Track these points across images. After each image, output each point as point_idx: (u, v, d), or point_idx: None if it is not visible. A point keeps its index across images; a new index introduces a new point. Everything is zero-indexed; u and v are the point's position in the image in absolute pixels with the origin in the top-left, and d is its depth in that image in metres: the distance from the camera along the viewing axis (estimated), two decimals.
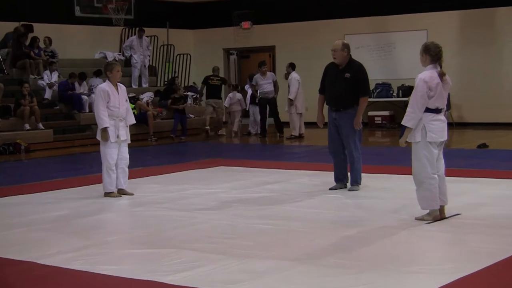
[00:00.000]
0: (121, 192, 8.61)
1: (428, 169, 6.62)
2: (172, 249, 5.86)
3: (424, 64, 6.69)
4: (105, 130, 8.34)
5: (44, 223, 7.13)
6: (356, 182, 8.55)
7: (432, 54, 6.62)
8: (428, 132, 6.59)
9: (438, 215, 6.70)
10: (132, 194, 8.61)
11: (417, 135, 6.62)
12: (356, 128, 8.38)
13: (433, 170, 6.64)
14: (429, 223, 6.61)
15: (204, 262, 5.41)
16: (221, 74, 21.97)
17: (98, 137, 8.51)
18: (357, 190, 8.47)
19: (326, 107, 8.69)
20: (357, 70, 8.40)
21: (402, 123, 6.68)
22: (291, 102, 16.26)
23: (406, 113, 6.63)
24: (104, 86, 8.49)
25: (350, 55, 8.47)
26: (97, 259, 5.61)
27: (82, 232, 6.66)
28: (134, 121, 8.87)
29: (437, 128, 6.63)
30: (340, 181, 8.64)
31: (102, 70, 8.50)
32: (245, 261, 5.41)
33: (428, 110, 6.58)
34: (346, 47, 8.39)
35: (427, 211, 6.73)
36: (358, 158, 8.47)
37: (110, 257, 5.68)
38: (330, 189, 8.57)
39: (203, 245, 5.99)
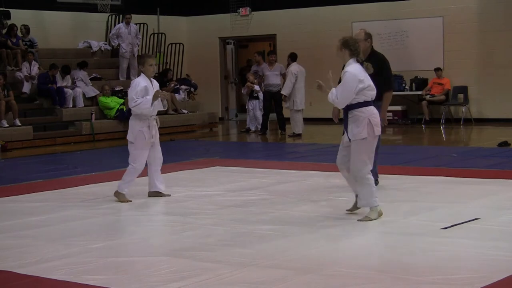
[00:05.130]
0: (158, 194, 8.62)
1: (369, 166, 7.02)
2: (162, 257, 5.87)
3: (342, 60, 7.16)
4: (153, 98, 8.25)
5: (22, 229, 7.14)
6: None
7: (352, 48, 7.06)
8: (374, 126, 6.97)
9: (380, 210, 7.05)
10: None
11: (363, 131, 6.93)
12: (382, 125, 8.47)
13: (371, 166, 7.08)
14: (375, 219, 6.96)
15: (198, 271, 5.42)
16: (217, 65, 22.07)
17: (131, 137, 8.45)
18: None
19: None
20: (379, 63, 8.49)
21: (329, 99, 7.07)
22: (284, 97, 16.27)
23: (333, 99, 7.00)
24: (141, 80, 8.42)
25: (372, 46, 8.62)
26: (81, 268, 5.61)
27: (64, 239, 6.67)
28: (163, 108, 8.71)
29: (378, 121, 7.07)
30: None
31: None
32: (243, 270, 5.42)
33: (367, 103, 6.99)
34: (369, 36, 8.56)
35: (367, 209, 7.06)
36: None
37: (96, 266, 5.68)
38: None
39: (197, 252, 6.00)
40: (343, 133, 7.28)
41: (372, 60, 8.46)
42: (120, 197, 8.44)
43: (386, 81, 8.59)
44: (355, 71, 6.97)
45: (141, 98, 8.28)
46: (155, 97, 8.29)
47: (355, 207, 7.37)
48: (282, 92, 16.25)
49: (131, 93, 8.38)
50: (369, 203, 7.07)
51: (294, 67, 16.34)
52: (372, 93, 7.04)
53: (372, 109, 7.04)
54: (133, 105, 8.33)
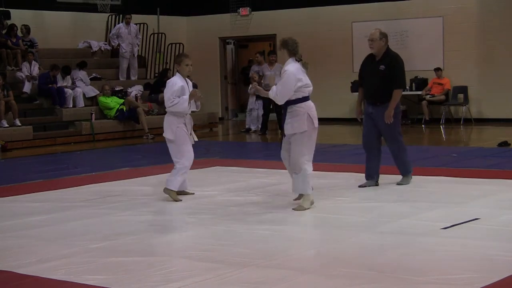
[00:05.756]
0: (183, 193, 8.62)
1: (306, 156, 7.55)
2: (162, 257, 5.87)
3: (283, 58, 7.66)
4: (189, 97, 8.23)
5: (22, 229, 7.14)
6: (408, 171, 8.96)
7: (290, 49, 7.58)
8: (313, 119, 7.55)
9: (312, 199, 7.62)
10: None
11: (303, 125, 7.48)
12: (386, 122, 8.73)
13: (310, 157, 7.60)
14: (308, 208, 7.51)
15: (198, 271, 5.42)
16: (217, 65, 22.08)
17: (170, 135, 8.39)
18: (407, 183, 8.89)
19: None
20: (392, 62, 8.75)
21: (270, 96, 7.61)
22: None
23: (274, 95, 7.53)
24: (177, 80, 8.37)
25: (388, 46, 8.84)
26: (82, 268, 5.62)
27: (64, 239, 6.67)
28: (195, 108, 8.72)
29: (316, 114, 7.63)
30: (372, 179, 8.97)
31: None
32: (243, 271, 5.42)
33: (305, 98, 7.55)
34: (384, 36, 8.77)
35: (300, 200, 7.64)
36: (401, 150, 8.89)
37: (96, 266, 5.69)
38: (360, 186, 8.92)
39: (197, 253, 6.00)
40: (282, 128, 7.71)
41: (385, 58, 8.79)
42: (171, 194, 8.38)
43: (397, 79, 8.76)
44: (293, 70, 7.48)
45: (178, 98, 8.25)
46: (191, 96, 8.31)
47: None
48: None
49: (167, 93, 8.32)
50: (303, 190, 7.57)
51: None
52: (309, 89, 7.59)
53: (310, 103, 7.59)
54: (170, 105, 8.28)
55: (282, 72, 7.56)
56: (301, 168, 7.54)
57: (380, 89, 8.74)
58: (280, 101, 7.56)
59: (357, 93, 21.91)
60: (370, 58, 8.97)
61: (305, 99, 7.55)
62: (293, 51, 7.58)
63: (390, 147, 8.91)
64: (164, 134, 8.55)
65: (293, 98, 7.50)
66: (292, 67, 7.52)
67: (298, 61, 7.59)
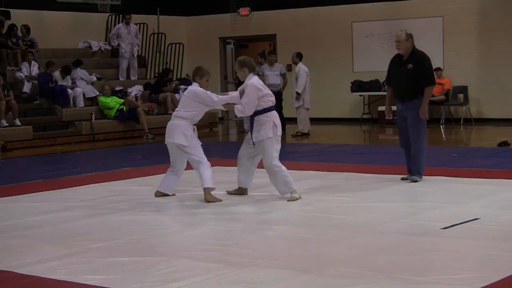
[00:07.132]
0: (164, 195, 8.66)
1: (277, 160, 8.10)
2: (162, 257, 5.87)
3: (243, 77, 8.25)
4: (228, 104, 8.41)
5: (22, 229, 7.14)
6: (418, 172, 9.13)
7: (249, 66, 8.23)
8: (277, 127, 8.16)
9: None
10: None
11: (269, 131, 8.09)
12: (422, 118, 9.04)
13: (278, 160, 8.13)
14: (300, 198, 8.06)
15: (198, 271, 5.42)
16: (217, 65, 22.07)
17: (183, 141, 8.32)
18: (418, 181, 9.04)
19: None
20: (419, 61, 9.08)
21: (237, 114, 8.26)
22: (298, 95, 16.30)
23: (241, 109, 8.11)
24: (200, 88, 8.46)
25: (414, 45, 9.13)
26: (81, 268, 5.62)
27: (64, 239, 6.67)
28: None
29: (279, 123, 8.25)
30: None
31: (192, 73, 8.51)
32: (243, 271, 5.42)
33: (270, 108, 8.17)
34: (410, 37, 9.10)
35: (289, 195, 8.10)
36: (421, 148, 9.09)
37: (96, 266, 5.69)
38: (402, 178, 9.25)
39: (197, 252, 6.00)
40: (247, 134, 8.25)
41: (413, 58, 9.13)
42: (213, 197, 8.35)
43: (426, 77, 9.06)
44: (254, 82, 8.12)
45: (220, 96, 8.51)
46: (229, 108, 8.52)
47: (236, 191, 8.55)
48: (296, 90, 16.30)
49: (208, 96, 8.32)
50: (289, 189, 8.11)
51: (304, 66, 16.43)
52: (272, 99, 8.24)
53: (275, 113, 8.22)
54: (217, 99, 8.37)
55: (244, 85, 8.15)
56: (275, 170, 8.07)
57: (408, 87, 9.05)
58: (249, 112, 8.14)
59: (357, 93, 21.94)
60: (397, 58, 9.29)
61: (270, 109, 8.17)
62: (252, 67, 8.24)
63: (413, 144, 9.12)
64: (172, 140, 8.41)
65: (259, 108, 8.12)
66: (252, 80, 8.15)
67: (256, 75, 8.29)
